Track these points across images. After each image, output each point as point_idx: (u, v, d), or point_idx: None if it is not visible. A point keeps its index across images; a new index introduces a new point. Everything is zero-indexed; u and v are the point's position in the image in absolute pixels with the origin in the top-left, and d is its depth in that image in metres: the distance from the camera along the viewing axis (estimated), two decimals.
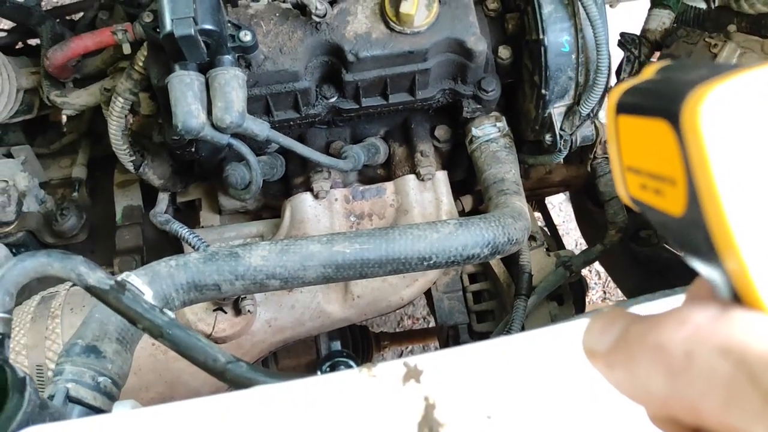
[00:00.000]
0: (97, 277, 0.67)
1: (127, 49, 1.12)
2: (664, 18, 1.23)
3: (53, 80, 1.28)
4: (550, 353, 0.54)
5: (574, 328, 0.55)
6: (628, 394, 0.30)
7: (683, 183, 0.28)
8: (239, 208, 1.33)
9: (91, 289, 0.67)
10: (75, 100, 1.27)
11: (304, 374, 0.57)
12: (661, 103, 0.28)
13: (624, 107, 0.32)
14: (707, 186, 0.26)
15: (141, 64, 1.06)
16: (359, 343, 1.50)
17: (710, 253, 0.28)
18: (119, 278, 0.82)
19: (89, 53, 1.21)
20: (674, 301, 0.39)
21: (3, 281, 0.65)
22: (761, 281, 0.26)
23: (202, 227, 1.32)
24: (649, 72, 0.32)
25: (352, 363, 0.58)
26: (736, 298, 0.28)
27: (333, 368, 0.60)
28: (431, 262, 0.91)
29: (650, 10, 1.26)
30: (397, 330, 2.48)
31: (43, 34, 1.33)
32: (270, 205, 1.34)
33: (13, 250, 1.30)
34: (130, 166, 1.17)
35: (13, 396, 0.56)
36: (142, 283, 0.82)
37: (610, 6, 1.94)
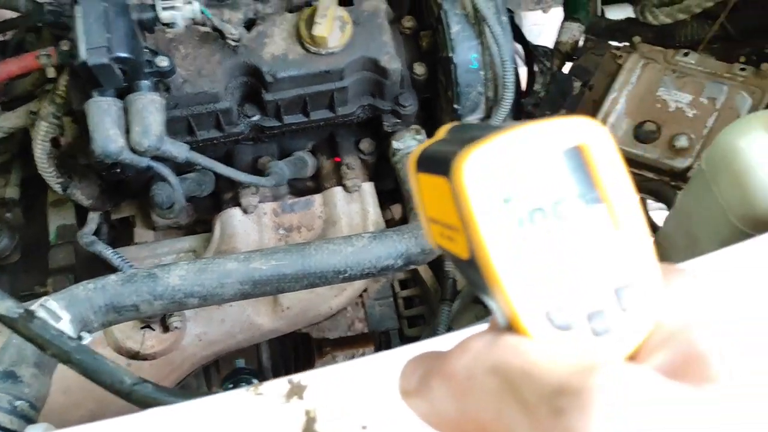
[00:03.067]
0: (6, 305, 0.70)
1: (51, 73, 1.13)
2: (575, 30, 1.29)
3: None
4: None
5: (450, 341, 0.60)
6: (432, 424, 0.33)
7: (462, 231, 0.32)
8: (172, 224, 1.35)
9: (0, 318, 0.69)
10: (3, 123, 1.28)
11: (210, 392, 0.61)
12: (441, 162, 0.32)
13: (420, 165, 0.36)
14: (472, 232, 0.31)
15: (63, 89, 1.08)
16: (299, 351, 1.53)
17: (487, 290, 0.32)
18: (36, 304, 0.84)
19: (15, 77, 1.23)
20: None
21: None
22: (522, 311, 0.30)
23: (136, 243, 1.34)
24: (441, 132, 0.37)
25: (253, 380, 0.62)
26: (509, 326, 0.32)
27: (236, 385, 0.63)
28: (347, 274, 0.95)
29: (562, 22, 1.32)
30: (349, 334, 2.53)
31: None
32: (203, 219, 1.37)
33: None
34: (58, 188, 1.19)
35: None
36: (60, 308, 0.85)
37: (543, 12, 2.01)
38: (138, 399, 0.67)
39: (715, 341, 0.29)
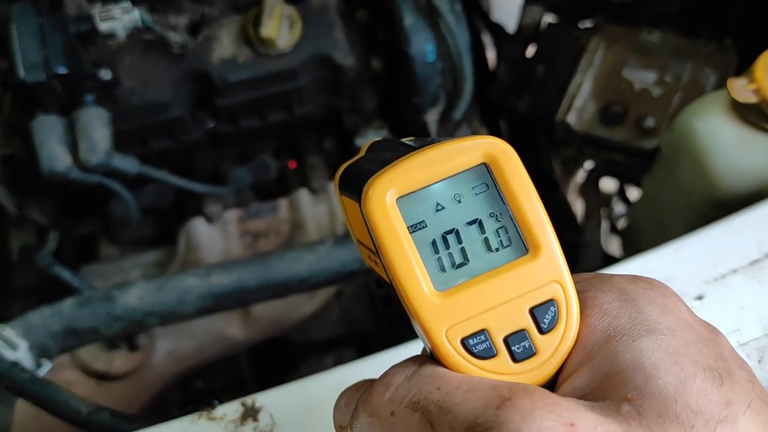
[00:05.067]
0: None
1: None
2: (536, 14, 1.26)
3: None
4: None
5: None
6: None
7: (378, 255, 0.31)
8: (137, 237, 1.32)
9: None
10: None
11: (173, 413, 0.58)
12: (355, 186, 0.33)
13: (342, 186, 0.36)
14: (384, 261, 0.29)
15: (7, 109, 1.04)
16: (278, 358, 1.50)
17: (409, 317, 0.31)
18: None
19: None
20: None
21: None
22: (439, 341, 0.29)
23: (102, 260, 1.30)
24: (363, 149, 0.37)
25: (214, 402, 0.60)
26: (431, 354, 0.30)
27: (195, 407, 0.61)
28: (311, 282, 0.92)
29: (524, 4, 1.29)
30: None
31: None
32: (168, 230, 1.34)
33: None
34: (13, 208, 1.15)
35: None
36: (16, 336, 0.82)
37: None
38: (96, 428, 0.64)
39: (636, 354, 0.28)
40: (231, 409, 0.55)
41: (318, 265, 0.92)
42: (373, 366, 0.57)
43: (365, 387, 0.33)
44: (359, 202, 0.31)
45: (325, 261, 0.92)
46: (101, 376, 1.08)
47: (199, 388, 0.64)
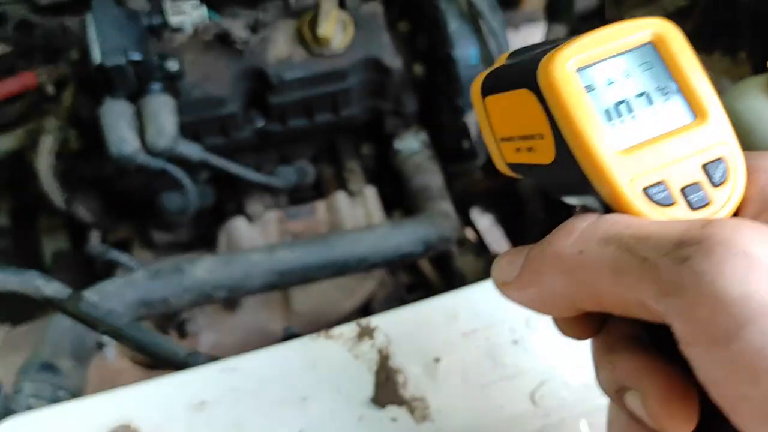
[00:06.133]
0: (54, 287, 0.69)
1: (50, 90, 1.14)
2: (559, 32, 1.35)
3: None
4: (484, 302, 0.60)
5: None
6: (538, 307, 0.35)
7: (549, 134, 0.34)
8: (172, 241, 1.35)
9: (49, 300, 0.68)
10: None
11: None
12: (518, 76, 0.36)
13: (488, 89, 0.39)
14: (568, 122, 0.33)
15: (69, 101, 1.09)
16: None
17: (582, 183, 0.34)
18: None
19: (10, 98, 1.22)
20: None
21: None
22: (626, 188, 0.33)
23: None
24: (501, 59, 0.40)
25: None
26: (609, 211, 0.34)
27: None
28: (369, 262, 0.96)
29: (548, 25, 1.38)
30: None
31: None
32: (202, 235, 1.37)
33: None
34: (61, 204, 1.18)
35: None
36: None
37: (514, 27, 2.08)
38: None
39: None
40: (348, 330, 0.58)
41: (376, 245, 0.96)
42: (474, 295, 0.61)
43: (528, 246, 0.35)
44: (532, 81, 0.34)
45: (382, 242, 0.96)
46: (149, 365, 1.09)
47: (292, 332, 0.66)
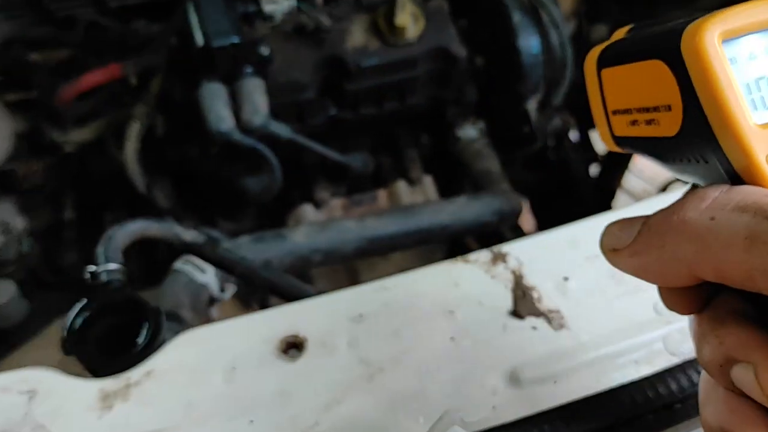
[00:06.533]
0: (192, 234, 0.75)
1: (134, 80, 1.21)
2: (602, 32, 1.43)
3: (53, 121, 1.35)
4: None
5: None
6: (650, 275, 0.35)
7: (678, 106, 0.34)
8: (237, 229, 1.41)
9: (188, 246, 0.75)
10: (75, 137, 1.34)
11: None
12: (650, 46, 0.35)
13: (607, 61, 0.40)
14: (713, 100, 0.33)
15: (157, 88, 1.16)
16: None
17: (712, 153, 0.34)
18: (180, 260, 0.90)
19: (93, 89, 1.29)
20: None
21: (113, 240, 0.72)
22: (761, 156, 0.33)
23: None
24: (620, 33, 0.41)
25: None
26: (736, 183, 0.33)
27: None
28: (451, 230, 1.03)
29: (589, 25, 1.46)
30: None
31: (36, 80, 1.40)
32: (266, 224, 1.43)
33: None
34: (143, 188, 1.24)
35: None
36: (203, 262, 0.90)
37: None
38: None
39: None
40: (482, 255, 0.65)
41: (457, 214, 1.03)
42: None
43: (645, 216, 0.35)
44: (667, 51, 0.34)
45: (462, 211, 1.03)
46: None
47: None
